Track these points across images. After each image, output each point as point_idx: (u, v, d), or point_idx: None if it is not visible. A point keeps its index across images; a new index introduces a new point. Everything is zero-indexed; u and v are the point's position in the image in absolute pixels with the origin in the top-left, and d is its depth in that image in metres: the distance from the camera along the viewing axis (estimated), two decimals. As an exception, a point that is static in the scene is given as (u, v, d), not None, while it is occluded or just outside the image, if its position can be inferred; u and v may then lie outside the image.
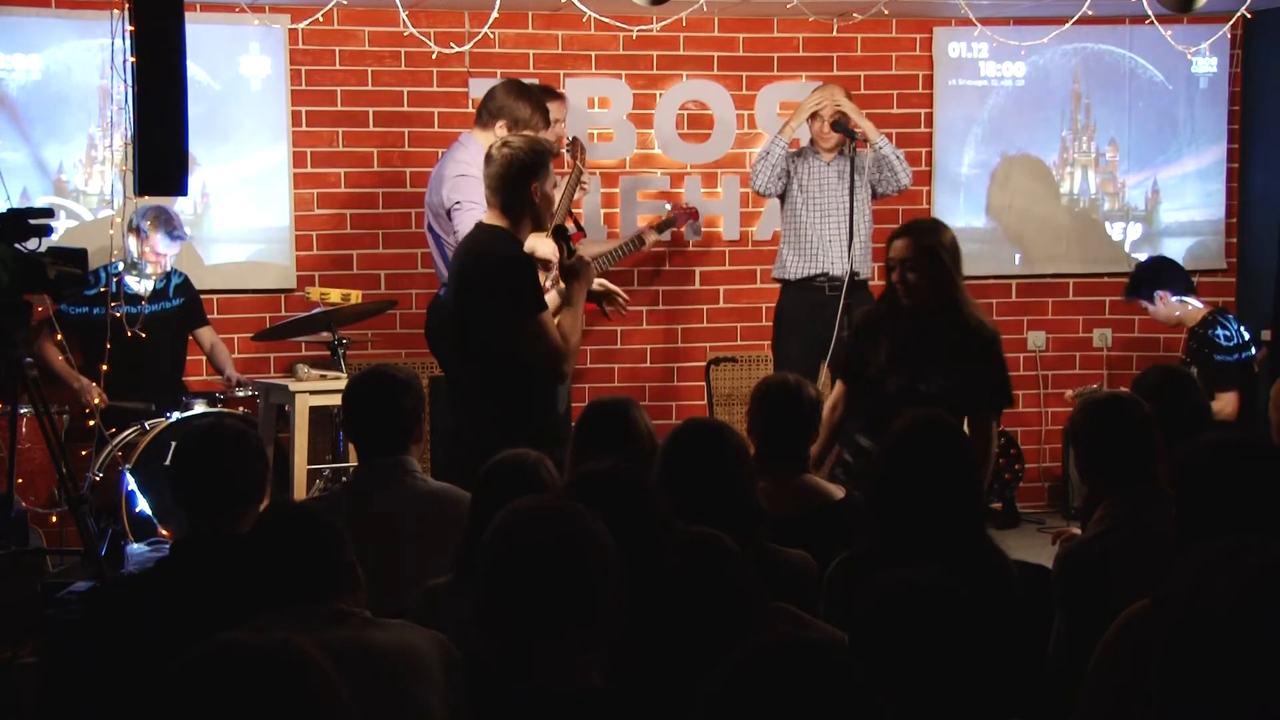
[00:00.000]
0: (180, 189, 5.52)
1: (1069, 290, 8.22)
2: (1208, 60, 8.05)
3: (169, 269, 6.69)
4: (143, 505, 6.05)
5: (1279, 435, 4.37)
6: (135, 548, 5.58)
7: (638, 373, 7.78)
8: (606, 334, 7.70)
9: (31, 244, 4.95)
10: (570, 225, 6.58)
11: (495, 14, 6.66)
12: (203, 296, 6.92)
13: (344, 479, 6.09)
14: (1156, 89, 8.13)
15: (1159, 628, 2.10)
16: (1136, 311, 7.44)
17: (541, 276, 5.03)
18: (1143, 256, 7.83)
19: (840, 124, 6.77)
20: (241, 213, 7.26)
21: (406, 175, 7.41)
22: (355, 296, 6.64)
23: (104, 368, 6.24)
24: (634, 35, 7.36)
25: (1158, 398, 4.09)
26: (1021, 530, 7.47)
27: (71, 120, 6.97)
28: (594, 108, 7.62)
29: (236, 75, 7.20)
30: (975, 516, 3.41)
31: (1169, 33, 7.32)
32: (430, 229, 5.97)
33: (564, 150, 6.57)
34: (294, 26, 7.11)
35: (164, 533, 5.91)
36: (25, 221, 4.95)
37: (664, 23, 7.09)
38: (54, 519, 6.26)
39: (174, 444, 6.02)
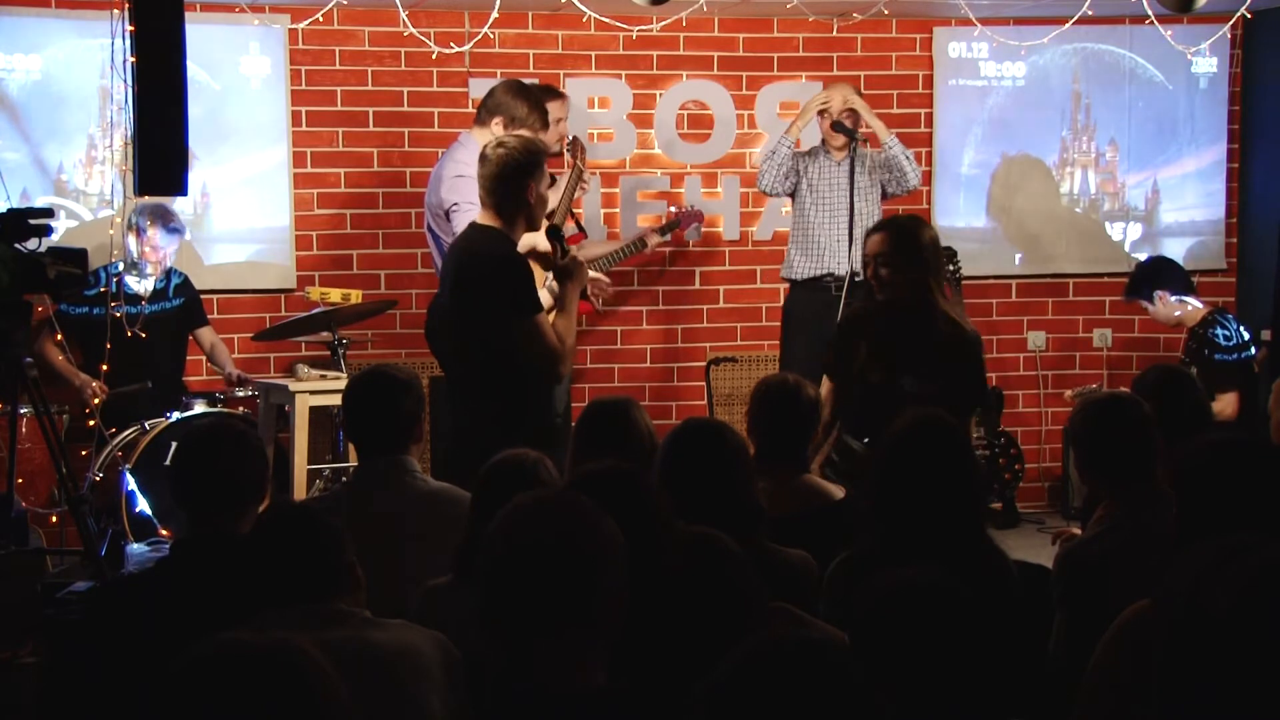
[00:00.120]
0: (180, 189, 5.52)
1: (1069, 290, 8.22)
2: (1208, 60, 8.05)
3: (169, 266, 6.69)
4: (143, 505, 6.05)
5: (1279, 434, 4.38)
6: (135, 548, 5.58)
7: (638, 373, 7.78)
8: (606, 334, 7.70)
9: (31, 244, 4.95)
10: (571, 225, 6.59)
11: (495, 14, 6.66)
12: (203, 296, 6.92)
13: (344, 479, 6.09)
14: (1156, 89, 8.13)
15: (1159, 628, 2.10)
16: (1136, 311, 7.45)
17: (540, 276, 5.03)
18: (1143, 256, 7.84)
19: (840, 124, 6.77)
20: (241, 213, 7.26)
21: (406, 175, 7.41)
22: (355, 296, 6.64)
23: (104, 367, 6.25)
24: (634, 35, 7.36)
25: (1158, 398, 4.09)
26: (1021, 530, 7.47)
27: (71, 120, 6.97)
28: (594, 108, 7.62)
29: (236, 75, 7.20)
30: (975, 516, 3.41)
31: (1169, 33, 7.32)
32: (430, 229, 5.97)
33: (564, 150, 6.57)
34: (294, 26, 7.11)
35: (164, 533, 5.91)
36: (25, 221, 4.95)
37: (664, 23, 7.09)
38: (54, 519, 6.26)
39: (174, 444, 6.07)
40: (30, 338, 5.81)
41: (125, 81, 5.50)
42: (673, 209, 7.62)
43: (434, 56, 6.96)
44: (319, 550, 2.81)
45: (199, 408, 6.37)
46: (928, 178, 7.91)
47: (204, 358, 6.97)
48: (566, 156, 6.59)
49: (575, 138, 6.68)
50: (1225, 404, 6.37)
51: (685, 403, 7.71)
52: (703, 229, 7.75)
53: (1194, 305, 6.78)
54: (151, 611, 3.12)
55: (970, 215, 8.08)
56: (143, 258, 6.60)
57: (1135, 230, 8.23)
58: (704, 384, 7.64)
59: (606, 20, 7.12)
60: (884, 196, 6.87)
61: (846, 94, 6.83)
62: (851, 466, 4.87)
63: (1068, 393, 7.73)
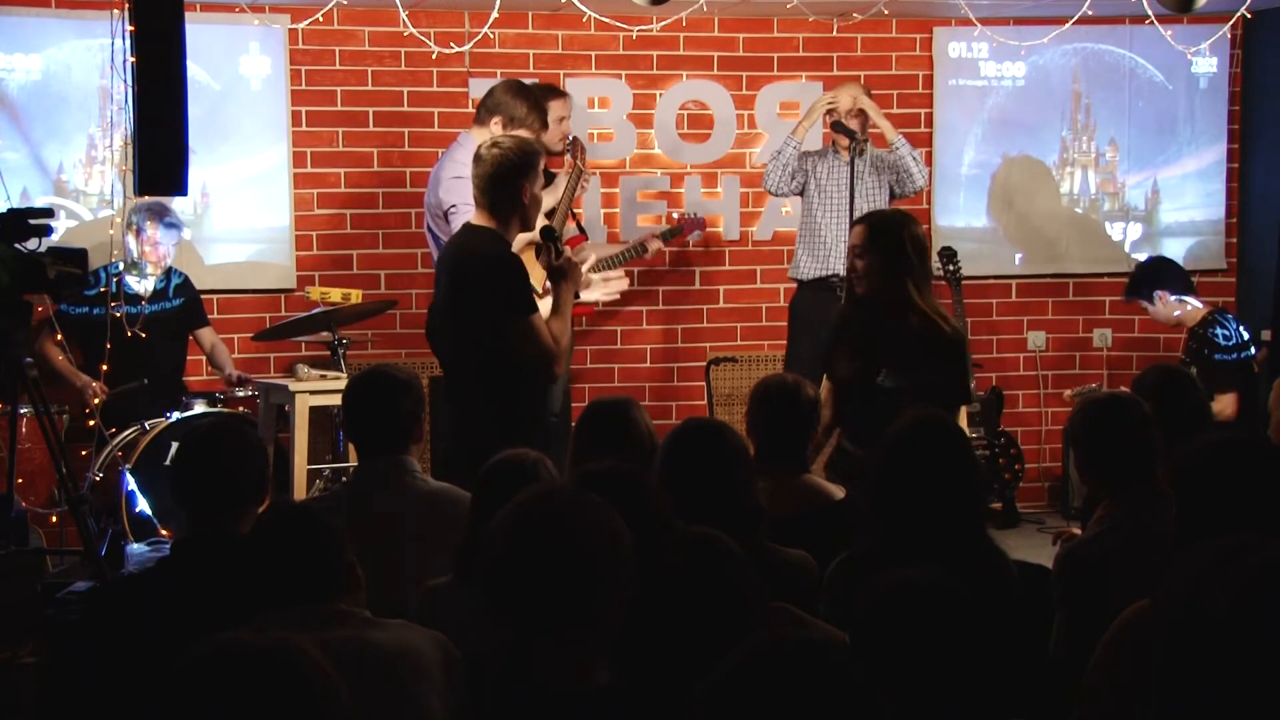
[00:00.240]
0: (180, 189, 5.52)
1: (1069, 290, 8.22)
2: (1208, 60, 8.05)
3: (169, 263, 6.69)
4: (143, 505, 6.05)
5: (1279, 434, 4.38)
6: (135, 548, 5.58)
7: (638, 373, 7.78)
8: (607, 334, 7.70)
9: (31, 244, 4.95)
10: (572, 226, 6.59)
11: (495, 14, 6.66)
12: (203, 296, 6.92)
13: (344, 479, 6.09)
14: (1156, 89, 8.13)
15: (1159, 628, 2.10)
16: (1136, 311, 7.45)
17: (539, 276, 5.03)
18: (1143, 256, 7.84)
19: (840, 124, 6.78)
20: (241, 213, 7.26)
21: (406, 175, 7.41)
22: (355, 296, 6.64)
23: (104, 368, 6.25)
24: (634, 35, 7.36)
25: (1158, 398, 4.09)
26: (1021, 530, 7.47)
27: (71, 120, 6.97)
28: (594, 108, 7.62)
29: (236, 75, 7.20)
30: (975, 516, 3.41)
31: (1169, 33, 7.32)
32: (429, 229, 5.98)
33: (565, 150, 6.57)
34: (294, 26, 7.11)
35: (164, 533, 5.91)
36: (25, 221, 4.95)
37: (664, 23, 7.09)
38: (54, 519, 6.26)
39: (174, 444, 6.07)
40: (30, 338, 5.82)
41: (125, 81, 5.50)
42: (675, 215, 7.62)
43: (434, 56, 6.96)
44: (319, 550, 2.81)
45: (199, 408, 6.37)
46: (928, 178, 7.90)
47: (204, 358, 6.97)
48: (566, 157, 6.59)
49: (575, 137, 6.68)
50: (1225, 404, 6.37)
51: (685, 403, 7.71)
52: (702, 233, 7.75)
53: (1194, 305, 6.78)
54: (151, 611, 3.12)
55: (970, 215, 8.08)
56: (143, 257, 6.60)
57: (1135, 230, 8.23)
58: (704, 384, 7.64)
59: (606, 20, 7.12)
60: (892, 197, 6.87)
61: (856, 94, 6.83)
62: (850, 468, 4.87)
63: (1067, 393, 7.74)
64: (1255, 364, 6.84)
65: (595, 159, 7.35)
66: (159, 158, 5.29)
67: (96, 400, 6.32)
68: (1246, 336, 6.75)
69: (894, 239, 4.90)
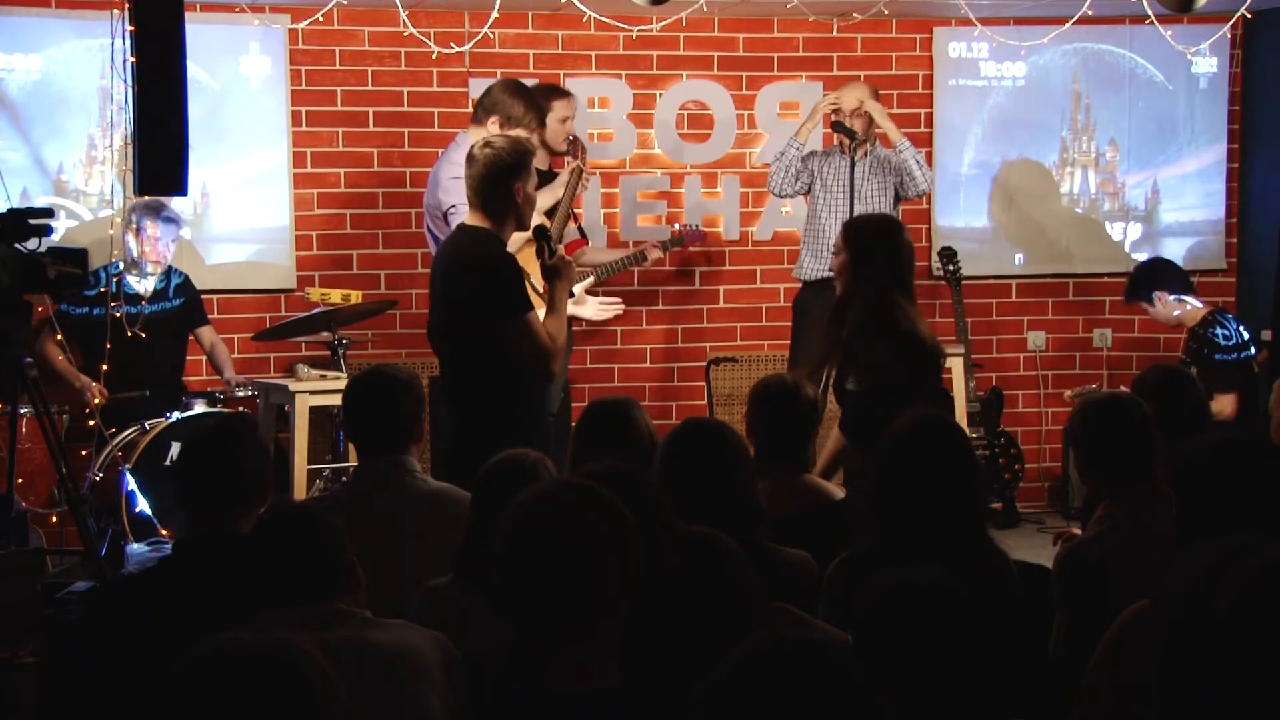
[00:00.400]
0: (180, 189, 5.52)
1: (1069, 290, 8.22)
2: (1208, 60, 8.06)
3: (169, 261, 6.69)
4: (143, 505, 6.05)
5: (1279, 434, 4.38)
6: (135, 548, 5.58)
7: (638, 373, 7.78)
8: (607, 334, 7.70)
9: (31, 244, 4.95)
10: (573, 228, 6.59)
11: (495, 14, 6.66)
12: (203, 296, 6.92)
13: (344, 479, 6.09)
14: (1156, 89, 8.13)
15: (1159, 628, 2.10)
16: (1136, 311, 7.45)
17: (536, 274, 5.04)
18: (1143, 256, 7.84)
19: (840, 124, 6.78)
20: (241, 213, 7.26)
21: (406, 175, 7.41)
22: (355, 296, 6.64)
23: (104, 368, 6.25)
24: (634, 35, 7.36)
25: (1158, 398, 4.09)
26: (1021, 530, 7.47)
27: (71, 120, 6.97)
28: (594, 108, 7.62)
29: (236, 75, 7.20)
30: (975, 516, 3.41)
31: (1169, 33, 7.32)
32: (429, 230, 5.98)
33: (568, 150, 6.57)
34: (294, 26, 7.11)
35: (164, 533, 5.91)
36: (25, 221, 4.95)
37: (664, 23, 7.09)
38: (54, 519, 6.26)
39: (174, 444, 6.08)
40: (30, 338, 5.81)
41: (125, 81, 5.50)
42: (677, 225, 7.63)
43: (434, 56, 6.96)
44: (319, 550, 2.81)
45: (199, 408, 6.37)
46: (932, 182, 7.90)
47: (204, 358, 6.98)
48: (567, 156, 6.59)
49: (575, 137, 6.68)
50: (1224, 404, 6.37)
51: (685, 403, 7.71)
52: (704, 232, 7.75)
53: (1193, 305, 6.78)
54: (151, 611, 3.12)
55: (970, 215, 8.08)
56: (143, 256, 6.61)
57: (1135, 230, 8.23)
58: (704, 384, 7.64)
59: (606, 20, 7.13)
60: (898, 199, 6.87)
61: (862, 96, 6.81)
62: (854, 467, 4.89)
63: (1067, 393, 7.74)
64: (1255, 364, 6.84)
65: (595, 159, 7.35)
66: (159, 158, 5.29)
67: (97, 401, 6.32)
68: (1247, 336, 6.75)
69: (864, 241, 4.89)
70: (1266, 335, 7.45)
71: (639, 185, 7.77)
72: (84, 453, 6.35)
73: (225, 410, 6.42)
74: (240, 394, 6.66)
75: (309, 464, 6.23)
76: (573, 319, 6.32)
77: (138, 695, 2.72)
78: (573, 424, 4.32)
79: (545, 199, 6.34)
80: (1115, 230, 8.23)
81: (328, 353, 6.58)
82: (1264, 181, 8.13)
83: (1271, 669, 1.82)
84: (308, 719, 1.77)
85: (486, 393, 4.69)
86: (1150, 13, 6.99)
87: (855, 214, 6.62)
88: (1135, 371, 6.28)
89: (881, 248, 4.88)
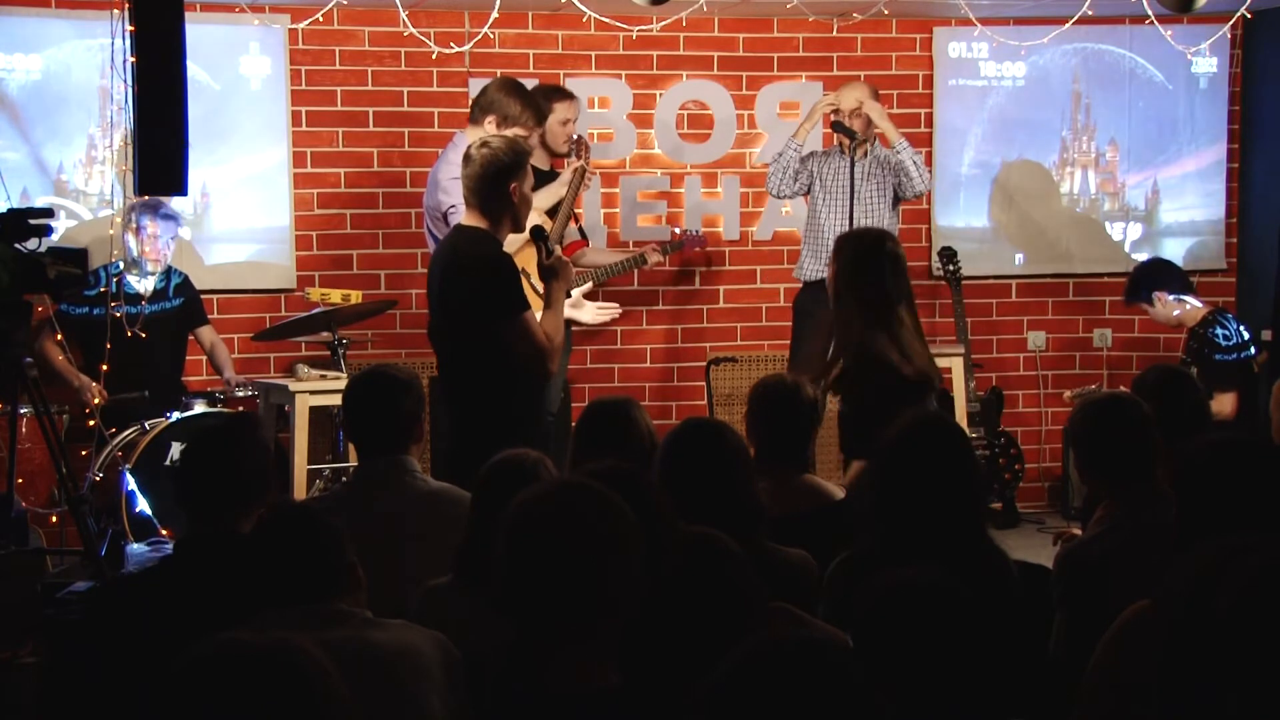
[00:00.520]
0: (180, 189, 5.53)
1: (1069, 290, 8.22)
2: (1208, 60, 8.06)
3: (168, 260, 6.69)
4: (143, 505, 6.05)
5: (1279, 435, 4.38)
6: (135, 548, 5.58)
7: (638, 373, 7.78)
8: (607, 334, 7.70)
9: (31, 244, 4.95)
10: (574, 228, 6.59)
11: (495, 14, 6.66)
12: (203, 296, 6.92)
13: (344, 479, 6.09)
14: (1156, 89, 8.13)
15: (1159, 628, 2.10)
16: (1136, 311, 7.44)
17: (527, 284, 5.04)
18: (1143, 257, 7.84)
19: (839, 124, 6.78)
20: (241, 213, 7.26)
21: (406, 175, 7.41)
22: (355, 296, 6.64)
23: (104, 367, 6.25)
24: (634, 35, 7.36)
25: (1158, 398, 4.09)
26: (1021, 530, 7.47)
27: (71, 120, 6.97)
28: (594, 108, 7.62)
29: (236, 75, 7.20)
30: (975, 516, 3.41)
31: (1169, 33, 7.32)
32: (429, 230, 5.98)
33: (569, 151, 6.58)
34: (294, 26, 7.11)
35: (164, 533, 5.91)
36: (25, 221, 4.95)
37: (664, 23, 7.09)
38: (54, 519, 6.25)
39: (174, 444, 6.09)
40: (30, 338, 5.81)
41: (125, 81, 5.50)
42: (677, 230, 7.63)
43: (434, 56, 6.96)
44: (319, 550, 2.81)
45: (199, 408, 6.37)
46: (929, 182, 7.90)
47: (204, 358, 6.98)
48: (570, 156, 6.59)
49: (580, 136, 6.68)
50: (1223, 403, 6.37)
51: (685, 403, 7.71)
52: (703, 232, 7.75)
53: (1193, 305, 6.78)
54: (151, 611, 3.12)
55: (970, 215, 8.08)
56: (143, 255, 6.61)
57: (1135, 230, 8.23)
58: (704, 384, 7.64)
59: (606, 20, 7.12)
60: (897, 199, 6.87)
61: (861, 97, 6.79)
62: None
63: (1067, 393, 7.73)
64: (1255, 364, 6.84)
65: (595, 159, 7.34)
66: (159, 158, 5.30)
67: (97, 401, 6.32)
68: (1247, 336, 6.75)
69: (848, 255, 4.91)
70: (1266, 335, 7.45)
71: (639, 185, 7.77)
72: (84, 453, 6.35)
73: (226, 410, 6.42)
74: (240, 394, 6.66)
75: (309, 464, 6.23)
76: (570, 321, 6.32)
77: (138, 695, 2.72)
78: (573, 424, 4.32)
79: (547, 198, 6.35)
80: (1115, 230, 8.23)
81: (328, 353, 6.58)
82: (1264, 181, 8.13)
83: (1271, 669, 1.82)
84: (308, 719, 1.77)
85: (485, 393, 4.69)
86: (1150, 13, 6.99)
87: (854, 214, 6.62)
88: (1135, 371, 6.28)
89: (871, 264, 4.88)
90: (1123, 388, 5.04)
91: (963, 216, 8.05)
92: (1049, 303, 8.20)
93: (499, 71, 7.09)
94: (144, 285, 6.65)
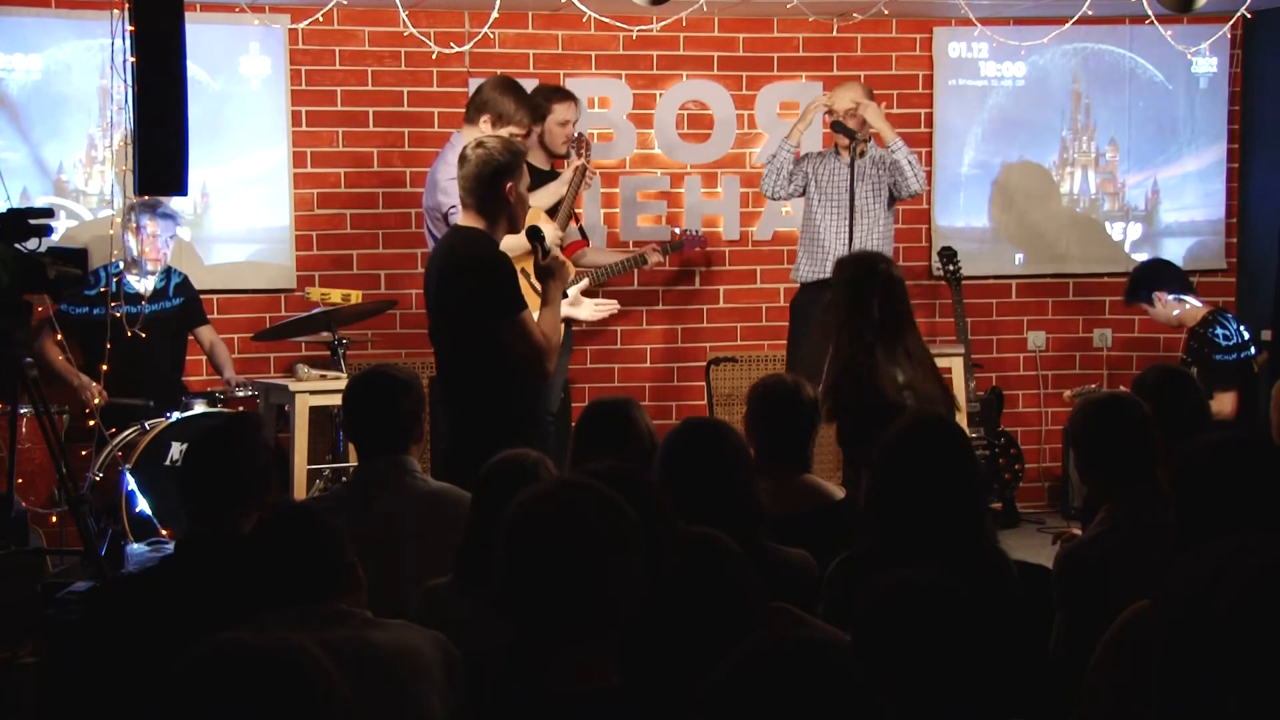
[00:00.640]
0: (180, 189, 5.53)
1: (1069, 290, 8.22)
2: (1208, 60, 8.06)
3: (168, 259, 6.69)
4: (143, 505, 6.05)
5: (1279, 435, 4.38)
6: (135, 548, 5.58)
7: (638, 373, 7.78)
8: (607, 334, 7.70)
9: (31, 244, 4.95)
10: (574, 228, 6.59)
11: (495, 14, 6.66)
12: (203, 296, 6.92)
13: (344, 479, 6.09)
14: (1156, 89, 8.13)
15: (1159, 628, 2.10)
16: (1136, 311, 7.44)
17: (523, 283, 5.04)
18: (1143, 257, 7.84)
19: (840, 124, 6.78)
20: (241, 213, 7.26)
21: (406, 175, 7.41)
22: (355, 296, 6.64)
23: (104, 367, 6.24)
24: (634, 35, 7.36)
25: (1158, 398, 4.09)
26: (1021, 530, 7.47)
27: (71, 120, 6.97)
28: (594, 108, 7.62)
29: (236, 75, 7.20)
30: (975, 516, 3.41)
31: (1169, 33, 7.32)
32: (429, 231, 5.98)
33: (569, 151, 6.58)
34: (294, 26, 7.11)
35: (164, 533, 5.91)
36: (25, 221, 4.95)
37: (664, 23, 7.09)
38: (54, 519, 6.25)
39: (174, 444, 6.08)
40: (30, 338, 5.82)
41: (125, 81, 5.50)
42: (677, 230, 7.63)
43: (434, 56, 6.96)
44: (319, 550, 2.81)
45: (199, 408, 6.37)
46: (928, 178, 7.90)
47: (204, 358, 6.98)
48: (571, 155, 6.59)
49: (581, 135, 6.68)
50: (1223, 403, 6.37)
51: (685, 403, 7.71)
52: (703, 231, 7.75)
53: (1193, 305, 6.78)
54: (151, 611, 3.12)
55: (970, 215, 8.08)
56: (143, 255, 6.61)
57: (1135, 230, 8.23)
58: (704, 384, 7.64)
59: (606, 20, 7.12)
60: (893, 199, 6.87)
61: (856, 97, 6.79)
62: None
63: (1067, 393, 7.73)
64: (1255, 364, 6.84)
65: (595, 159, 7.35)
66: (159, 158, 5.30)
67: (96, 401, 6.32)
68: (1247, 336, 6.75)
69: (840, 279, 4.96)
70: (1266, 335, 7.45)
71: (639, 185, 7.77)
72: (84, 453, 6.34)
73: (226, 410, 6.42)
74: (240, 394, 6.66)
75: (309, 464, 6.23)
76: (569, 320, 6.32)
77: (138, 695, 2.72)
78: (573, 424, 4.32)
79: (548, 197, 6.35)
80: (1115, 230, 8.23)
81: (328, 353, 6.59)
82: (1264, 181, 8.13)
83: (1271, 669, 1.82)
84: (308, 719, 1.77)
85: (484, 393, 4.69)
86: (1150, 13, 6.99)
87: (851, 215, 6.61)
88: (1135, 371, 6.28)
89: (861, 287, 4.94)
90: (1123, 388, 5.04)
91: (963, 216, 8.05)
92: (1049, 303, 8.20)
93: (499, 72, 7.09)
94: (144, 285, 6.65)
